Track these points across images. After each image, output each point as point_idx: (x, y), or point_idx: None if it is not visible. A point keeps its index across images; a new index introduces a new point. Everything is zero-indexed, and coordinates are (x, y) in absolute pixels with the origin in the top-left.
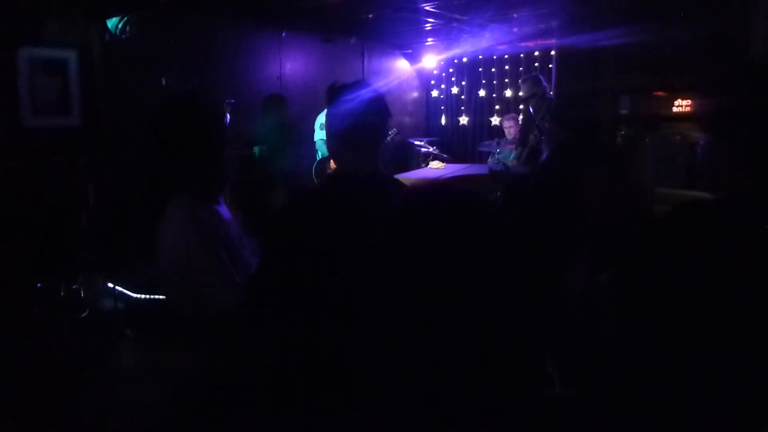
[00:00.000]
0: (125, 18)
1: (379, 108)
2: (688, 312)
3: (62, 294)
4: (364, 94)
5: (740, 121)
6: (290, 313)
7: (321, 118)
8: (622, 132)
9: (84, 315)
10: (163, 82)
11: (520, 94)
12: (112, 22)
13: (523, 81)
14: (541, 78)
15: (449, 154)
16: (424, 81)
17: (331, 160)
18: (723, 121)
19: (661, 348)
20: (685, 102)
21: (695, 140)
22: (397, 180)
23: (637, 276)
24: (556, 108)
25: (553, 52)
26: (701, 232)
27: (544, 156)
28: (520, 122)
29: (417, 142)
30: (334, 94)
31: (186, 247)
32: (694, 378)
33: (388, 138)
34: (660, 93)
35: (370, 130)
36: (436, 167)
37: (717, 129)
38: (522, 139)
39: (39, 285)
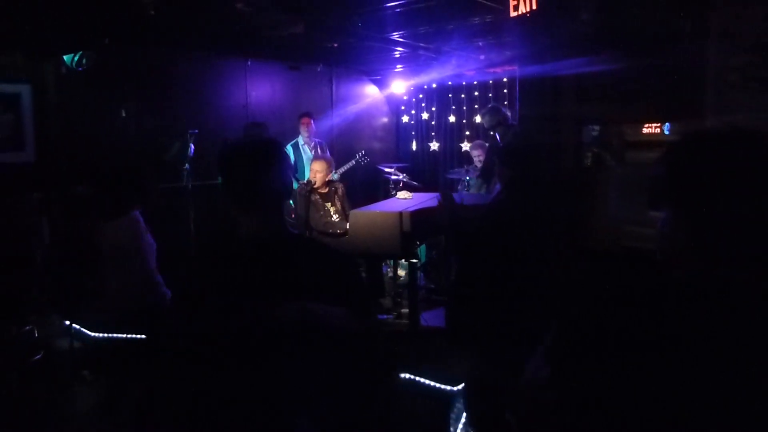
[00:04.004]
0: (81, 51)
1: (272, 165)
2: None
3: (13, 336)
4: (256, 151)
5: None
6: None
7: (288, 149)
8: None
9: (38, 357)
10: (123, 114)
11: (484, 124)
12: (68, 56)
13: (483, 114)
14: (500, 107)
15: (420, 181)
16: (394, 106)
17: None
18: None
19: None
20: (651, 131)
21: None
22: (303, 237)
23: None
24: (503, 151)
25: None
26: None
27: (495, 193)
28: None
29: (387, 169)
30: (224, 152)
31: None
32: None
33: (354, 161)
34: (629, 123)
35: (263, 191)
36: (404, 197)
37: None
38: (487, 168)
39: None
